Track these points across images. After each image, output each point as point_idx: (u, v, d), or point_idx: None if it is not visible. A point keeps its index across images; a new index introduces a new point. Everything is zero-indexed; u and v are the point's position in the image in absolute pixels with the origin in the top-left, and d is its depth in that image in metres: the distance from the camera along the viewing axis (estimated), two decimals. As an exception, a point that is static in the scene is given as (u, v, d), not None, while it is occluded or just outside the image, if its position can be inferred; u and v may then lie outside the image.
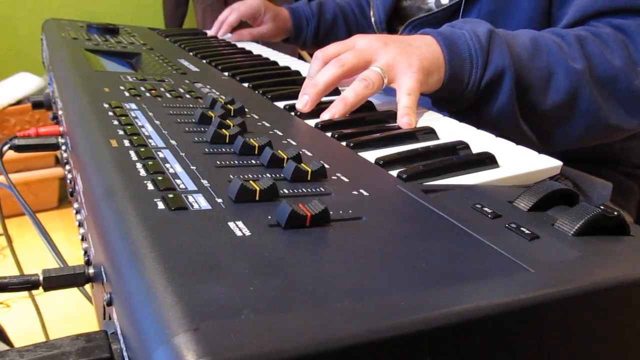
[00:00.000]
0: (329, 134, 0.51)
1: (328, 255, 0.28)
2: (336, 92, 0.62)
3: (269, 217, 0.31)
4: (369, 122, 0.56)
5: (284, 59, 0.92)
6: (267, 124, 0.52)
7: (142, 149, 0.40)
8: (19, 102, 1.97)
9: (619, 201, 0.80)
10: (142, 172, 0.36)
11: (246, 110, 0.54)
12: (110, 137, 0.42)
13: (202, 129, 0.47)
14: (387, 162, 0.43)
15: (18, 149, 0.64)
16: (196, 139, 0.44)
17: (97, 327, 0.34)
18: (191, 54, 0.92)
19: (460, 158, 0.46)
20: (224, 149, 0.42)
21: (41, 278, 0.35)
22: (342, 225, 0.31)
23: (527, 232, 0.32)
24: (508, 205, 0.36)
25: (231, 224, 0.30)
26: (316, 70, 0.61)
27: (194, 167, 0.38)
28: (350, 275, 0.26)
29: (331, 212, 0.31)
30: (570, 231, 0.33)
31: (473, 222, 0.33)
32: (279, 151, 0.40)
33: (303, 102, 0.58)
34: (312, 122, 0.55)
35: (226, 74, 0.77)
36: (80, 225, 0.44)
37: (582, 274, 0.28)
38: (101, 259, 0.31)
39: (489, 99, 0.62)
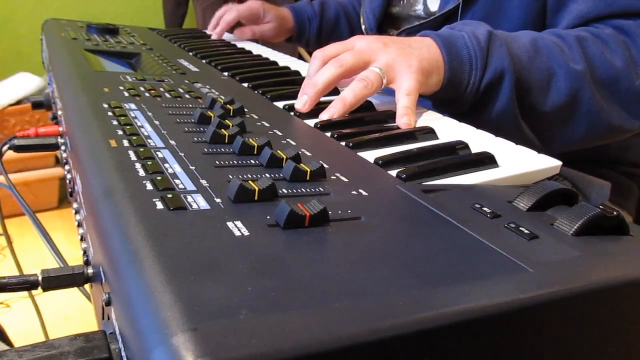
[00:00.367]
0: (328, 134, 0.51)
1: (327, 255, 0.28)
2: (335, 92, 0.62)
3: (268, 217, 0.31)
4: (369, 122, 0.56)
5: (283, 59, 0.92)
6: (267, 124, 0.52)
7: (141, 149, 0.40)
8: (19, 102, 1.97)
9: (618, 201, 0.80)
10: (141, 172, 0.36)
11: (245, 110, 0.54)
12: (110, 137, 0.42)
13: (202, 129, 0.47)
14: (387, 162, 0.43)
15: (18, 149, 0.64)
16: (195, 139, 0.44)
17: (96, 327, 0.34)
18: (191, 54, 0.92)
19: (460, 158, 0.46)
20: (223, 149, 0.42)
21: (40, 278, 0.35)
22: (341, 225, 0.31)
23: (526, 232, 0.32)
24: (507, 205, 0.36)
25: (230, 224, 0.30)
26: (315, 70, 0.61)
27: (193, 167, 0.38)
28: (349, 275, 0.26)
29: (330, 212, 0.31)
30: (569, 231, 0.33)
31: (472, 222, 0.33)
32: (278, 151, 0.40)
33: (302, 102, 0.58)
34: (311, 122, 0.55)
35: (226, 74, 0.77)
36: (80, 225, 0.44)
37: (581, 274, 0.28)
38: (100, 259, 0.31)
39: (489, 101, 0.62)
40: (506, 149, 0.49)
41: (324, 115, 0.56)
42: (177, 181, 0.35)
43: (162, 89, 0.61)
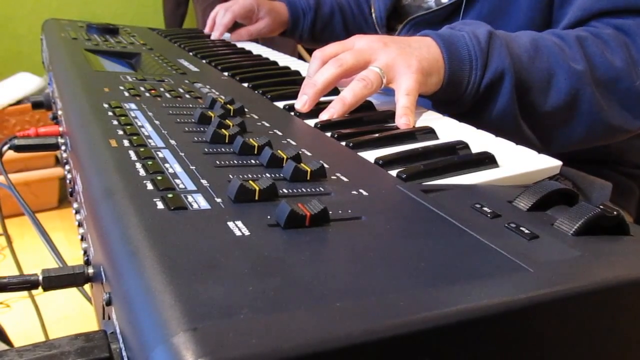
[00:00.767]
0: (328, 134, 0.51)
1: (327, 255, 0.28)
2: (335, 92, 0.62)
3: (269, 216, 0.31)
4: (369, 122, 0.56)
5: (283, 59, 0.92)
6: (267, 124, 0.52)
7: (142, 149, 0.40)
8: (19, 102, 1.97)
9: (618, 201, 0.80)
10: (142, 172, 0.36)
11: (246, 110, 0.54)
12: (110, 137, 0.42)
13: (202, 128, 0.47)
14: (387, 162, 0.43)
15: (18, 149, 0.64)
16: (196, 138, 0.44)
17: (96, 327, 0.34)
18: (191, 54, 0.92)
19: (460, 158, 0.46)
20: (223, 149, 0.42)
21: (40, 278, 0.35)
22: (342, 225, 0.31)
23: (526, 231, 0.32)
24: (507, 205, 0.36)
25: (230, 224, 0.30)
26: (315, 70, 0.61)
27: (194, 167, 0.38)
28: (349, 275, 0.26)
29: (330, 212, 0.31)
30: (569, 231, 0.33)
31: (472, 221, 0.33)
32: (279, 151, 0.40)
33: (302, 102, 0.58)
34: (311, 122, 0.55)
35: (226, 73, 0.77)
36: (80, 225, 0.44)
37: (581, 274, 0.28)
38: (100, 258, 0.31)
39: (489, 101, 0.62)
40: (506, 149, 0.49)
41: (324, 115, 0.56)
42: (177, 181, 0.35)
43: (162, 89, 0.61)
